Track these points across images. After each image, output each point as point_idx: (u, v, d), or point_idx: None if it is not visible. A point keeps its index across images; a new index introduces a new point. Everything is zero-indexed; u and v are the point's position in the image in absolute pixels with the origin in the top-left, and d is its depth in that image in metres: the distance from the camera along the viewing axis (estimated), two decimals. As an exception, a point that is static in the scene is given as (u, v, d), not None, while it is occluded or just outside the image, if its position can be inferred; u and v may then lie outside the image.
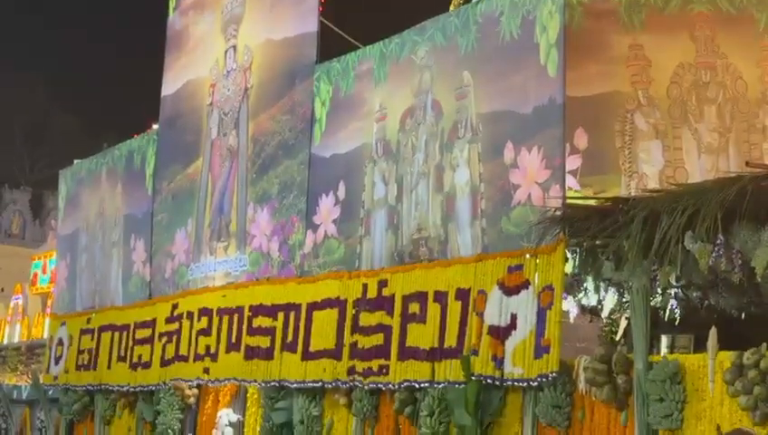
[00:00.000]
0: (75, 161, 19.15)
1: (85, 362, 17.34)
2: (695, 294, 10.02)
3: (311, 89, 13.28)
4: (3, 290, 34.41)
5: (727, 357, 8.26)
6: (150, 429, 15.65)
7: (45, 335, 21.77)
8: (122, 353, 16.32)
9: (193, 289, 15.03)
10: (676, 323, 10.35)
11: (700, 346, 8.83)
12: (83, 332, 17.59)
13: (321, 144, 13.08)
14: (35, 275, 29.05)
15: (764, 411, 7.92)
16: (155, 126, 17.02)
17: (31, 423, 21.17)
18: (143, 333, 15.88)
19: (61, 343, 18.20)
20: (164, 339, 15.27)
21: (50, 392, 19.09)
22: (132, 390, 15.93)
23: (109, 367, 16.63)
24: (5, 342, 27.65)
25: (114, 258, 17.19)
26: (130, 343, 16.14)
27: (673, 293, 10.04)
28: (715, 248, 8.26)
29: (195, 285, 15.05)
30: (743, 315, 9.86)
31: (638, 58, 10.73)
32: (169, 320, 15.24)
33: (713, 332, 8.46)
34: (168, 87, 16.42)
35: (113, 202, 17.48)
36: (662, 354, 9.67)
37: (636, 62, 10.73)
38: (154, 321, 15.63)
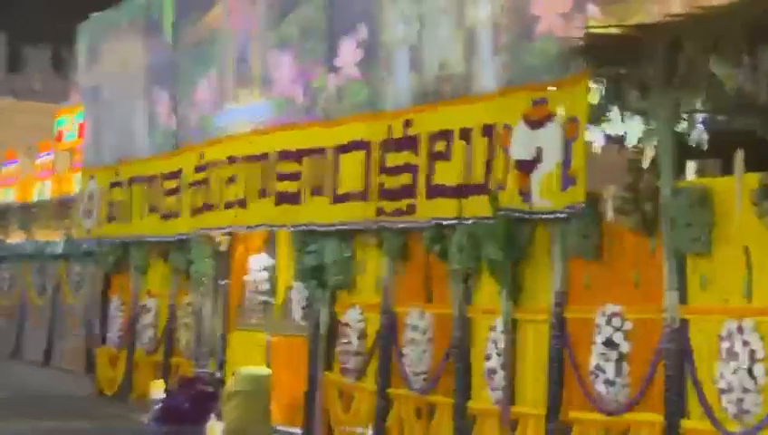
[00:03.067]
0: (92, 15, 19.01)
1: (116, 215, 17.54)
2: (721, 119, 9.99)
3: (327, -72, 13.08)
4: (30, 147, 34.54)
5: (754, 178, 8.27)
6: (185, 277, 15.91)
7: (75, 190, 21.98)
8: (152, 204, 16.50)
9: (218, 137, 15.07)
10: (704, 149, 10.33)
11: (727, 170, 8.82)
12: (113, 184, 17.75)
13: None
14: (60, 130, 29.13)
15: (792, 231, 7.96)
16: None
17: (67, 277, 21.54)
18: (171, 184, 16.01)
19: (91, 196, 18.38)
20: (192, 188, 15.39)
21: (84, 246, 19.38)
22: (164, 240, 16.14)
23: (140, 218, 16.83)
24: (36, 199, 27.91)
25: (138, 110, 17.22)
26: (159, 193, 16.30)
27: (699, 118, 10.01)
28: (741, 71, 8.18)
29: (220, 133, 15.07)
30: (769, 138, 9.85)
31: None
32: (197, 169, 15.34)
33: (739, 154, 8.46)
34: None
35: (134, 54, 17.42)
36: (689, 179, 9.68)
37: None
38: (181, 171, 15.74)
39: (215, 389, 14.20)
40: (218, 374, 14.78)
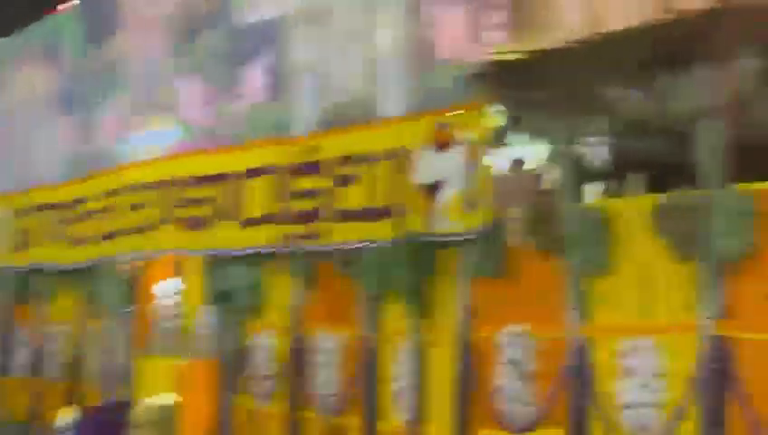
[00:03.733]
0: (-6, 42, 18.90)
1: (23, 242, 17.40)
2: (618, 141, 10.28)
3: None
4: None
5: (651, 199, 8.52)
6: (92, 304, 15.83)
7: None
8: (58, 232, 16.39)
9: (126, 163, 15.04)
10: (603, 171, 10.61)
11: (627, 191, 9.07)
12: (19, 212, 17.61)
13: (244, 12, 13.01)
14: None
15: (688, 250, 8.21)
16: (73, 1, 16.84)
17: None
18: (78, 211, 15.94)
19: (-5, 225, 18.23)
20: (100, 214, 15.34)
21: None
22: (71, 267, 16.06)
23: (47, 245, 16.71)
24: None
25: (45, 137, 17.12)
26: (66, 221, 16.21)
27: (598, 140, 10.30)
28: (636, 95, 8.45)
29: (128, 159, 15.03)
30: (666, 159, 10.13)
31: None
32: (105, 195, 15.29)
33: (637, 176, 8.72)
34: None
35: (39, 80, 17.33)
36: (589, 201, 9.93)
37: None
38: (90, 197, 15.67)
39: (123, 417, 14.14)
40: (125, 401, 14.72)
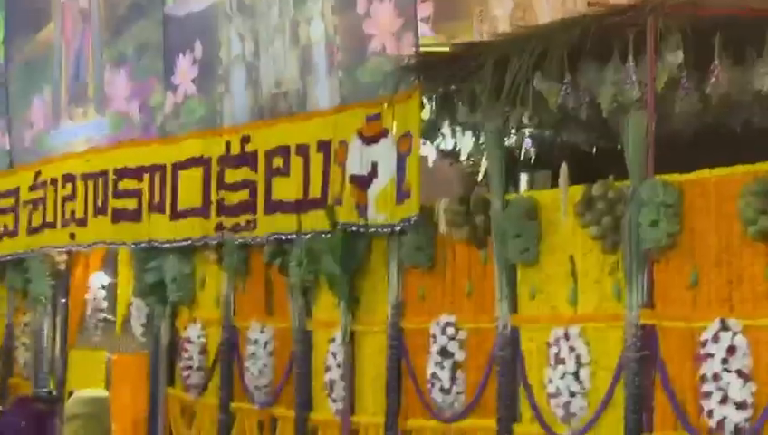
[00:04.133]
0: None
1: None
2: (547, 133, 10.39)
3: (160, -54, 13.15)
4: None
5: (578, 190, 8.63)
6: (22, 297, 15.74)
7: None
8: (-13, 224, 16.26)
9: (55, 156, 14.96)
10: (533, 162, 10.72)
11: (557, 182, 9.16)
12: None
13: (174, 3, 12.99)
14: None
15: (614, 239, 8.33)
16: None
17: None
18: (7, 203, 15.81)
19: (-77, 218, 17.99)
20: (29, 207, 15.23)
21: None
22: (0, 260, 15.94)
23: (-26, 238, 16.57)
24: None
25: (-28, 129, 16.96)
26: (-5, 212, 16.09)
27: (527, 132, 10.40)
28: (563, 87, 8.54)
29: (56, 152, 14.97)
30: (594, 150, 10.27)
31: None
32: (33, 188, 15.19)
33: (563, 167, 8.80)
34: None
35: (-36, 72, 17.15)
36: (519, 192, 10.03)
37: None
38: (17, 189, 15.56)
39: (52, 408, 14.06)
40: (55, 393, 14.65)
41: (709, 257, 7.83)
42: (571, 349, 8.51)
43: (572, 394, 8.46)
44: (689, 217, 7.96)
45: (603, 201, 8.35)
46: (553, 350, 8.65)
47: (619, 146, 8.55)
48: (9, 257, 15.68)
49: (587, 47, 8.35)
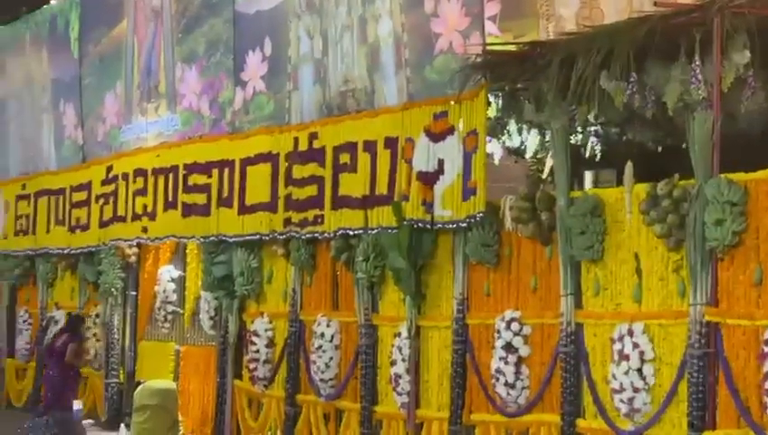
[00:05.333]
0: (-4, 28, 19.04)
1: (23, 228, 17.58)
2: (613, 131, 10.44)
3: (231, -56, 13.34)
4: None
5: (643, 188, 8.69)
6: (93, 289, 16.02)
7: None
8: (60, 217, 16.57)
9: (126, 150, 15.24)
10: (599, 160, 10.76)
11: (622, 180, 9.21)
12: (19, 198, 17.78)
13: (244, 1, 13.19)
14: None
15: (678, 238, 8.39)
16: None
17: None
18: (79, 196, 16.11)
19: (-4, 209, 18.40)
20: (101, 201, 15.52)
21: (-11, 259, 19.33)
22: (72, 252, 16.24)
23: (47, 231, 16.90)
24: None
25: (45, 124, 17.31)
26: (67, 206, 16.40)
27: (592, 130, 10.45)
28: (629, 86, 8.59)
29: (128, 147, 15.25)
30: (659, 148, 10.31)
31: None
32: (105, 182, 15.47)
33: (628, 165, 8.87)
34: (88, -51, 16.35)
35: (40, 67, 17.50)
36: (585, 190, 10.09)
37: None
38: (90, 183, 15.86)
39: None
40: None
41: (774, 256, 7.87)
42: (635, 345, 8.58)
43: (636, 390, 8.53)
44: (754, 215, 8.00)
45: (668, 199, 8.41)
46: (617, 346, 8.73)
47: (684, 144, 8.59)
48: (81, 250, 15.97)
49: (653, 46, 8.41)
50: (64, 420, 13.04)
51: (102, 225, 15.44)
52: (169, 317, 14.83)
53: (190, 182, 13.68)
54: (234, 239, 12.92)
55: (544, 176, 10.78)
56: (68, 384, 13.23)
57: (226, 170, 13.12)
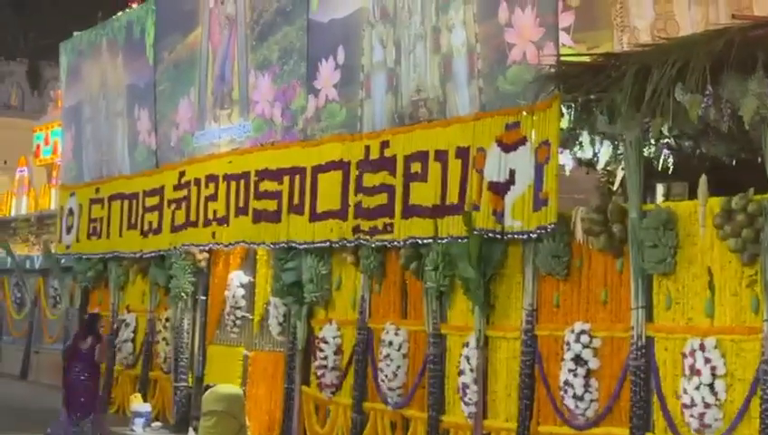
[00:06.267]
0: (75, 33, 19.30)
1: (96, 231, 17.81)
2: (687, 144, 10.36)
3: (306, -46, 13.42)
4: (6, 163, 34.72)
5: (717, 202, 8.63)
6: (164, 293, 16.17)
7: (53, 206, 22.12)
8: (132, 221, 16.76)
9: (199, 156, 15.38)
10: (671, 172, 10.70)
11: (694, 193, 9.15)
12: (93, 201, 18.01)
13: (318, 10, 13.26)
14: (38, 146, 29.37)
15: (753, 253, 8.32)
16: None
17: (45, 292, 21.75)
18: (152, 201, 16.29)
19: (71, 212, 18.65)
20: (173, 206, 15.67)
21: (62, 261, 19.61)
22: (144, 256, 16.41)
23: (120, 235, 17.10)
24: (13, 213, 28.09)
25: (119, 128, 17.51)
26: (140, 210, 16.57)
27: (665, 143, 10.38)
28: (705, 99, 8.54)
29: (200, 153, 15.38)
30: (733, 162, 10.22)
31: None
32: (177, 187, 15.62)
33: (703, 179, 8.81)
34: (164, -42, 16.53)
35: (115, 73, 17.71)
36: (657, 202, 10.03)
37: None
38: (162, 188, 16.02)
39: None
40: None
41: None
42: (707, 360, 8.51)
43: (707, 405, 8.46)
44: (831, 231, 7.92)
45: (743, 214, 8.34)
46: (688, 361, 8.66)
47: (759, 158, 8.51)
48: (153, 254, 16.14)
49: (730, 59, 8.34)
50: (103, 421, 13.31)
51: (174, 229, 15.59)
52: (238, 322, 14.92)
53: (261, 189, 13.78)
54: (303, 246, 12.99)
55: (615, 188, 10.74)
56: (98, 385, 13.51)
57: (297, 177, 13.19)
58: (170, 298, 15.85)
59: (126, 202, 16.97)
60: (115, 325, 17.39)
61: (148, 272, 16.51)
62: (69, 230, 18.63)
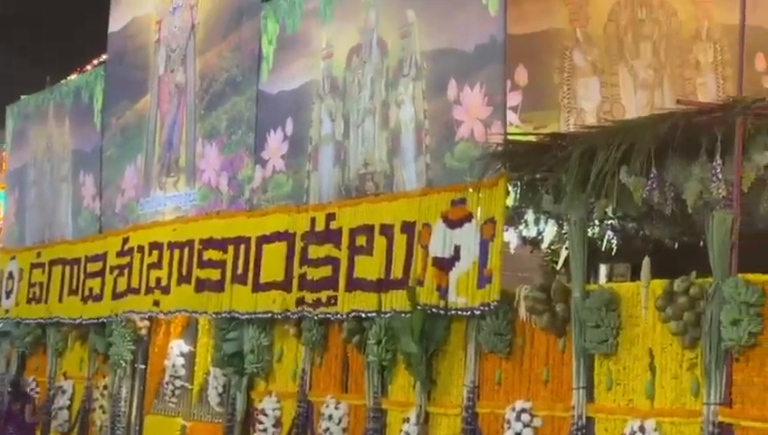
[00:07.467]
0: (22, 97, 19.22)
1: (36, 296, 17.60)
2: (630, 225, 10.46)
3: (258, 26, 13.49)
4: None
5: (659, 285, 8.68)
6: (102, 360, 15.98)
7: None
8: (73, 287, 16.59)
9: (143, 223, 15.29)
10: (614, 253, 10.78)
11: (637, 275, 9.21)
12: (34, 265, 17.82)
13: (268, 81, 13.31)
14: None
15: (693, 336, 8.36)
16: (102, 57, 17.15)
17: (-18, 356, 21.40)
18: (94, 267, 16.14)
19: (11, 276, 18.44)
20: (115, 272, 15.54)
21: (0, 326, 19.33)
22: (84, 322, 16.23)
23: (60, 300, 16.90)
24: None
25: (63, 193, 17.40)
26: (81, 276, 16.42)
27: (609, 224, 10.47)
28: (649, 182, 8.64)
29: (145, 220, 15.30)
30: (676, 245, 10.31)
31: (577, -4, 11.03)
32: (120, 253, 15.50)
33: (646, 261, 8.87)
34: (115, 24, 16.54)
35: (61, 137, 17.65)
36: (600, 283, 10.08)
37: (574, 0, 11.02)
38: (105, 254, 15.89)
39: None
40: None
41: (790, 358, 7.84)
42: (647, 442, 8.52)
43: (646, 487, 8.45)
44: (770, 316, 7.99)
45: (684, 297, 8.39)
46: (629, 442, 8.66)
47: (701, 242, 8.59)
48: (93, 320, 15.96)
49: (674, 143, 8.45)
50: None
51: (115, 296, 15.45)
52: (177, 392, 14.75)
53: (205, 257, 13.70)
54: (246, 316, 12.91)
55: (558, 267, 10.79)
56: None
57: (242, 247, 13.14)
58: (109, 365, 15.67)
59: (67, 267, 16.81)
60: (51, 392, 17.12)
61: (88, 338, 16.31)
62: (8, 295, 18.42)
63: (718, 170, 8.23)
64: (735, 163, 8.17)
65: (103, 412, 15.89)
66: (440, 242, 10.49)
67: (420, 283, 10.62)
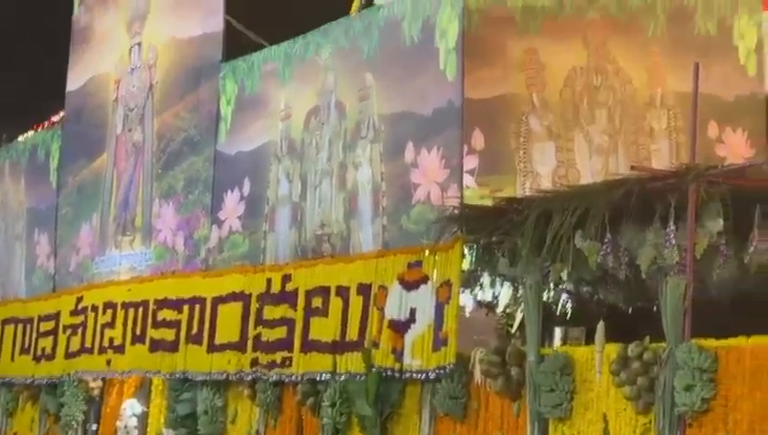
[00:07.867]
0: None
1: (-14, 355, 17.41)
2: (585, 290, 10.51)
3: (216, 87, 13.53)
4: None
5: (613, 349, 8.72)
6: (54, 421, 15.80)
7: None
8: (26, 346, 16.42)
9: (98, 282, 15.19)
10: (569, 317, 10.82)
11: (592, 338, 9.24)
12: (-15, 324, 17.64)
13: (226, 141, 13.34)
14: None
15: (647, 401, 8.39)
16: (58, 115, 17.13)
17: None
18: (47, 326, 16.00)
19: (-38, 335, 18.20)
20: (68, 331, 15.41)
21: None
22: (36, 382, 16.06)
23: (12, 359, 16.72)
24: None
25: (17, 251, 17.28)
26: (34, 335, 16.26)
27: (564, 288, 10.52)
28: (604, 246, 8.69)
29: (100, 279, 15.21)
30: (630, 309, 10.36)
31: (533, 62, 11.13)
32: (74, 313, 15.39)
33: (600, 325, 8.91)
34: (73, 82, 16.53)
35: (16, 195, 17.56)
36: (555, 347, 10.11)
37: (531, 66, 11.14)
38: (58, 314, 15.76)
39: None
40: None
41: (742, 425, 7.86)
42: (601, 507, 8.51)
43: None
44: (724, 383, 8.01)
45: (638, 362, 8.43)
46: (581, 507, 8.65)
47: (655, 307, 8.65)
48: (45, 380, 15.80)
49: (628, 209, 8.53)
50: None
51: (68, 356, 15.31)
52: (130, 453, 14.61)
53: (160, 317, 13.63)
54: (200, 377, 12.82)
55: (514, 330, 10.81)
56: None
57: (197, 307, 13.08)
58: (60, 426, 15.47)
59: (20, 326, 16.65)
60: (1, 453, 16.91)
61: (39, 398, 16.13)
62: (-42, 353, 18.18)
63: (672, 236, 8.30)
64: (689, 229, 8.25)
65: (53, 474, 15.70)
66: (396, 304, 10.51)
67: (376, 345, 10.61)
